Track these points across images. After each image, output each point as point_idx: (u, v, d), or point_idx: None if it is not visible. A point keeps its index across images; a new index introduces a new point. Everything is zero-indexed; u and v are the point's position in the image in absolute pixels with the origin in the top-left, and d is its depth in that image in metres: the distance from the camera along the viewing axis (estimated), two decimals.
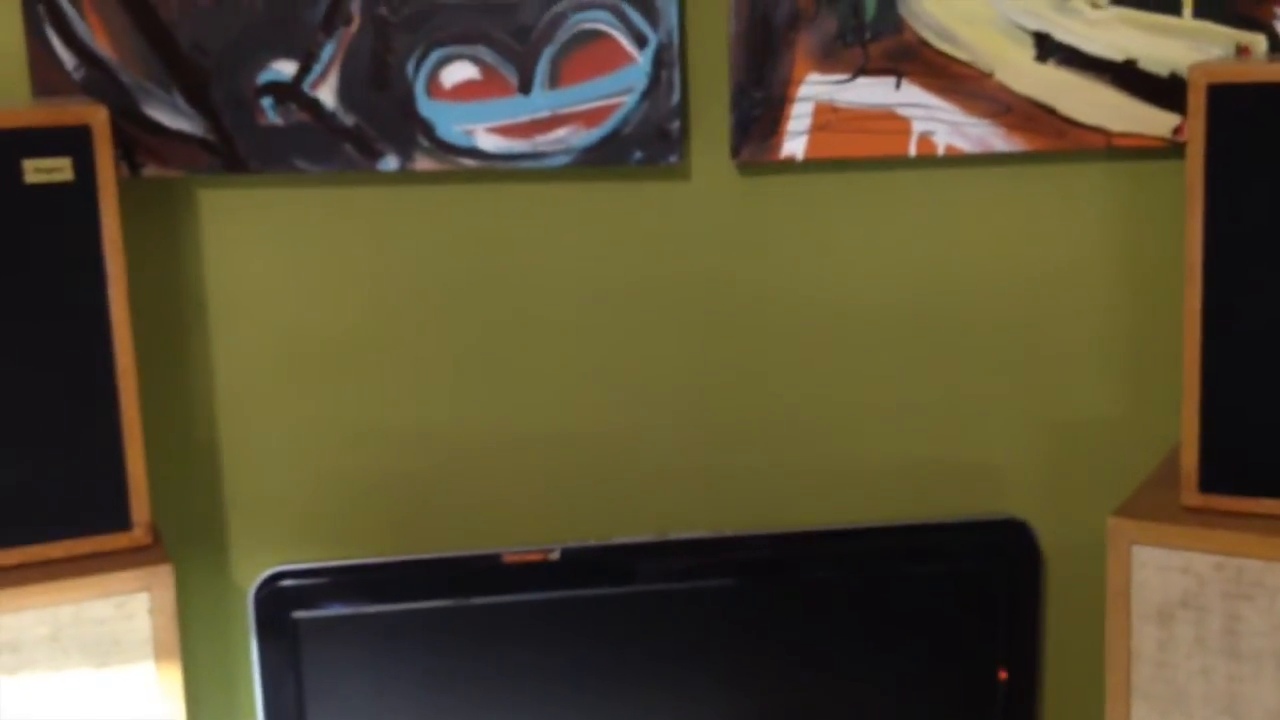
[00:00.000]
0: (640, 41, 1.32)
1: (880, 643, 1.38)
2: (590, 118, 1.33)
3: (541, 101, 1.33)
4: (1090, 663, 1.30)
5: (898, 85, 1.35)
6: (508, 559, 1.31)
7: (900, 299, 1.43)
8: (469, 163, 1.33)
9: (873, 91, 1.35)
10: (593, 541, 1.34)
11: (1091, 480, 1.41)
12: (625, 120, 1.33)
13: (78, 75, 1.28)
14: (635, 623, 1.33)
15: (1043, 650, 1.42)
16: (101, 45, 1.28)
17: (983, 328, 1.43)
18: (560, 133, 1.33)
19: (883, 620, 1.37)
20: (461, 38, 1.31)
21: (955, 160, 1.39)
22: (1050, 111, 1.34)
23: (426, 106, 1.32)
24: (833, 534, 1.37)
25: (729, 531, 1.36)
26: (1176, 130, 1.32)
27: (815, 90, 1.35)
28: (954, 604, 1.38)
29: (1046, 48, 1.34)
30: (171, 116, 1.30)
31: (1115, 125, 1.34)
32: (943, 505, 1.44)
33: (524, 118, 1.33)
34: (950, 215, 1.41)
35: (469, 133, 1.33)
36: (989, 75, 1.35)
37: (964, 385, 1.44)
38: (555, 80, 1.32)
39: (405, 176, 1.36)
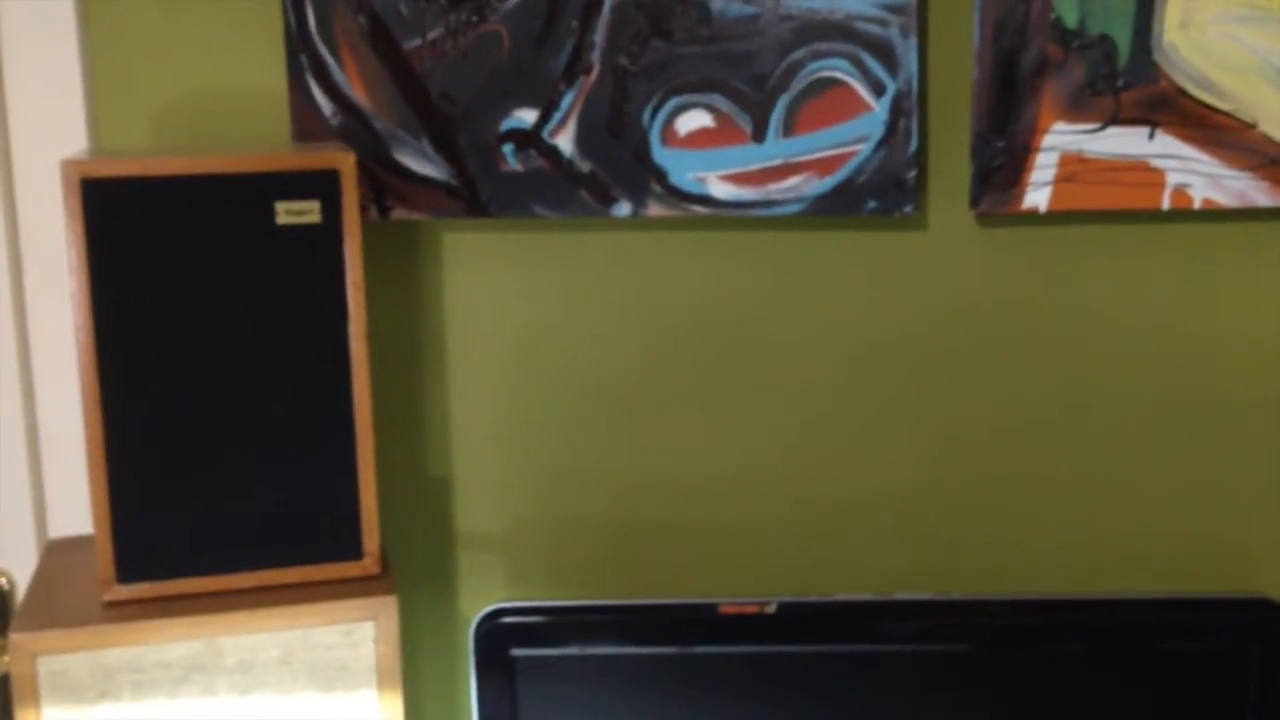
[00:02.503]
0: (878, 90, 1.30)
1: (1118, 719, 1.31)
2: (824, 166, 1.31)
3: (775, 150, 1.32)
4: None
5: (1151, 135, 1.29)
6: (724, 609, 1.29)
7: (1150, 361, 1.36)
8: (701, 210, 1.33)
9: (1124, 142, 1.29)
10: (812, 597, 1.32)
11: None
12: (860, 169, 1.31)
13: (335, 122, 1.33)
14: (852, 683, 1.30)
15: None
16: (357, 94, 1.33)
17: (1238, 395, 1.34)
18: (793, 181, 1.32)
19: (1121, 696, 1.29)
20: (697, 86, 1.31)
21: (1213, 214, 1.31)
22: None
23: (660, 154, 1.33)
24: (1066, 604, 1.30)
25: (955, 595, 1.31)
26: None
27: (1062, 140, 1.30)
28: (1199, 683, 1.29)
29: None
30: (419, 162, 1.35)
31: None
32: (1189, 582, 1.35)
33: (756, 166, 1.32)
34: (1206, 272, 1.33)
35: (701, 180, 1.33)
36: (1252, 126, 1.27)
37: (1215, 456, 1.36)
38: (790, 128, 1.31)
39: (638, 223, 1.37)
